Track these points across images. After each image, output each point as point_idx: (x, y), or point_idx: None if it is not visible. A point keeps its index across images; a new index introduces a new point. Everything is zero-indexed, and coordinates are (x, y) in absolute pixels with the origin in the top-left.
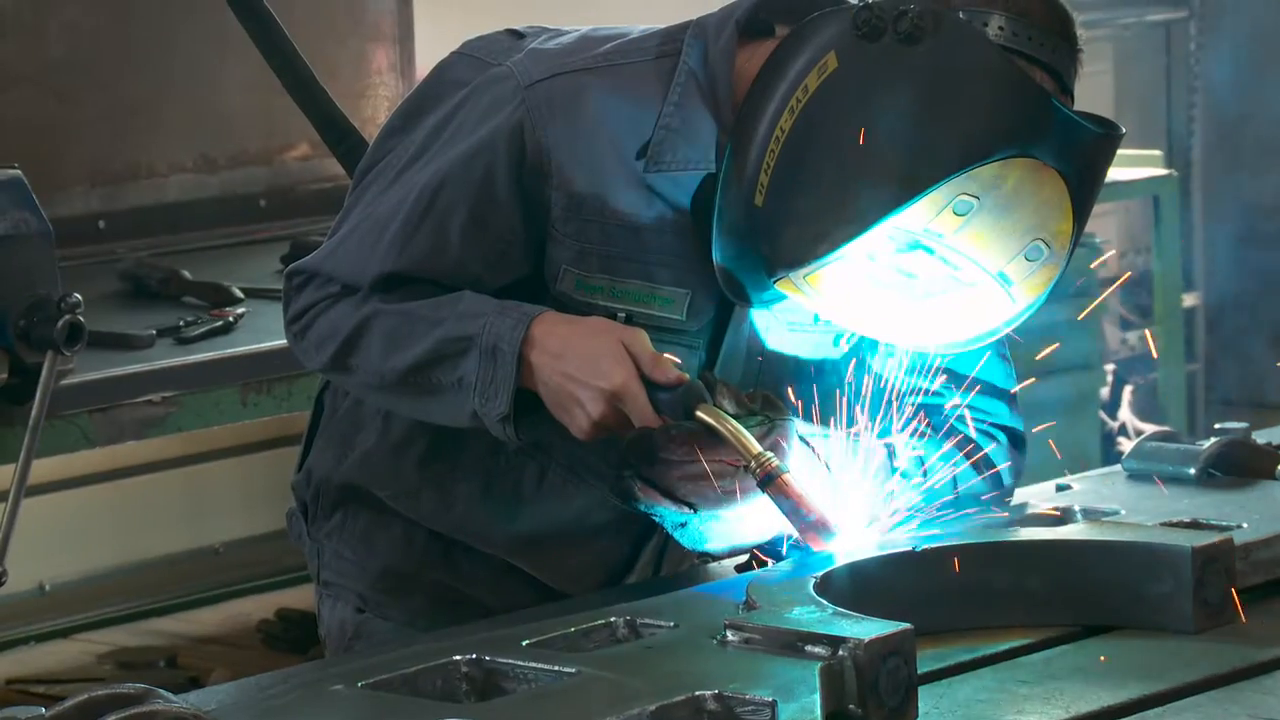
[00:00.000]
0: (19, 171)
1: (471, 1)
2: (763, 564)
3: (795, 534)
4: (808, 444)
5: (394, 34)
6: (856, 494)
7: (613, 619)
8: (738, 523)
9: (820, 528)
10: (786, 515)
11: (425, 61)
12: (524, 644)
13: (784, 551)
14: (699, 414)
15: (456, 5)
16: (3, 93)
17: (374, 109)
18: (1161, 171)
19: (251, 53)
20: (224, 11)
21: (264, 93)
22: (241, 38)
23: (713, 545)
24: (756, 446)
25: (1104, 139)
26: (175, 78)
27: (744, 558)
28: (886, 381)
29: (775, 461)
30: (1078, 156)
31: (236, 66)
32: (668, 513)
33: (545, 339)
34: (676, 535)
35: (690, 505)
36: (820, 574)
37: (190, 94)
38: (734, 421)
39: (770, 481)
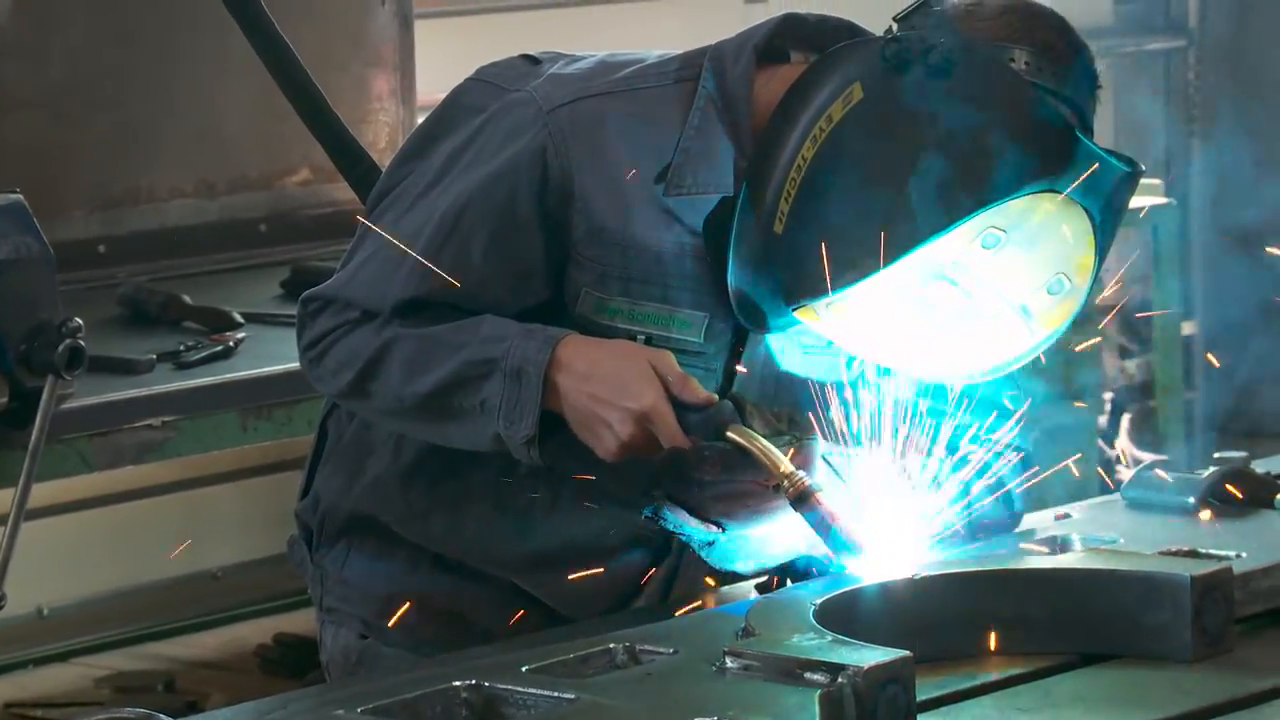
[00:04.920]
0: (20, 196)
1: (473, 28)
2: (784, 584)
3: (826, 552)
4: (829, 464)
5: (395, 60)
6: (881, 512)
7: (612, 645)
8: (765, 542)
9: (851, 545)
10: (818, 533)
11: (426, 88)
12: (524, 670)
13: (811, 570)
14: (730, 434)
15: (457, 31)
16: (3, 116)
17: (375, 135)
18: (1160, 200)
19: (252, 77)
20: (225, 36)
21: (265, 117)
22: (242, 62)
23: (740, 564)
24: (788, 465)
25: (1127, 175)
26: (176, 102)
27: (765, 577)
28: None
29: (807, 480)
30: (1102, 192)
31: (237, 91)
32: (696, 532)
33: (572, 361)
34: (703, 554)
35: (719, 525)
36: (819, 601)
37: (191, 118)
38: (764, 441)
39: (803, 500)
